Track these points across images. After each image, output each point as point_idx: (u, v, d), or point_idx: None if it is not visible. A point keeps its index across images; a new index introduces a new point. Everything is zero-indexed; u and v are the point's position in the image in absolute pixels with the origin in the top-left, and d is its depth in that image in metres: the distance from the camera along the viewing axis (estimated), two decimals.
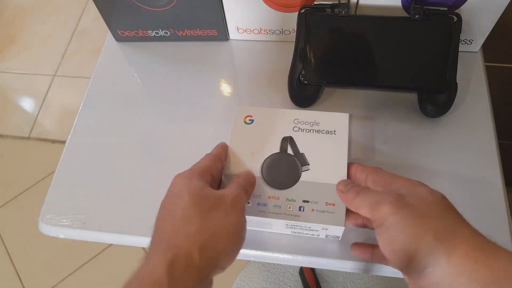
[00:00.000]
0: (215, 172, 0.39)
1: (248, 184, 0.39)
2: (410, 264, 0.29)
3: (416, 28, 0.47)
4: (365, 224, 0.39)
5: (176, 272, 0.29)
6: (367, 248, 0.39)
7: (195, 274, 0.30)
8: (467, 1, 0.47)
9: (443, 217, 0.30)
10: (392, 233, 0.30)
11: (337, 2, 0.48)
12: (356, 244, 0.39)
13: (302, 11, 0.50)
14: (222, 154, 0.41)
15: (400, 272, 0.33)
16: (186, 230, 0.31)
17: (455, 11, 0.48)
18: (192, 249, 0.30)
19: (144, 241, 0.45)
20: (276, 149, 0.44)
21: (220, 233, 0.32)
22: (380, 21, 0.48)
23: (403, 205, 0.30)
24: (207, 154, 0.41)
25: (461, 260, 0.27)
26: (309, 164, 0.42)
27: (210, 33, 0.59)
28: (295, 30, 0.50)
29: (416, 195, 0.31)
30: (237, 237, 0.34)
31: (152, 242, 0.32)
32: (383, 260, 0.37)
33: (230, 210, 0.34)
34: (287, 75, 0.51)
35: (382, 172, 0.37)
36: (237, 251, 0.34)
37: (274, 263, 0.68)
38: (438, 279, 0.28)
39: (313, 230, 0.41)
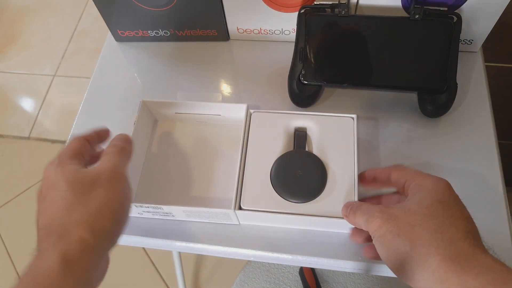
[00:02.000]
0: (85, 152, 0.37)
1: (124, 149, 0.38)
2: (402, 270, 0.32)
3: (416, 28, 0.47)
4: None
5: (72, 259, 0.29)
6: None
7: (92, 255, 0.30)
8: (467, 1, 0.47)
9: (425, 224, 0.32)
10: (382, 243, 0.33)
11: (337, 2, 0.48)
12: (367, 247, 0.40)
13: (302, 11, 0.50)
14: (90, 135, 0.39)
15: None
16: (72, 217, 0.31)
17: (455, 11, 0.48)
18: (83, 233, 0.30)
19: (144, 241, 0.45)
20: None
21: (105, 210, 0.32)
22: (380, 21, 0.48)
23: (388, 218, 0.33)
24: (74, 137, 0.39)
25: (435, 269, 0.29)
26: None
27: (210, 33, 0.59)
28: (295, 30, 0.50)
29: (412, 202, 0.34)
30: (122, 208, 0.34)
31: (39, 238, 0.31)
32: None
33: (109, 185, 0.33)
34: (287, 75, 0.51)
35: (403, 169, 0.38)
36: (125, 222, 0.34)
37: (274, 263, 0.68)
38: (423, 285, 0.30)
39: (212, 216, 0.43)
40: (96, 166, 0.35)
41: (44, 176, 0.35)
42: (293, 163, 0.40)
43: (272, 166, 0.38)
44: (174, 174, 0.48)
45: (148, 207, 0.43)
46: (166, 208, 0.43)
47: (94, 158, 0.38)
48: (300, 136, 0.41)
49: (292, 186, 0.41)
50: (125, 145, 0.38)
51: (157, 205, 0.42)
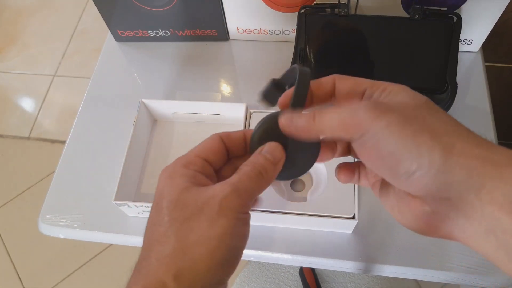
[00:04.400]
0: (212, 155, 0.28)
1: (265, 173, 0.27)
2: (397, 169, 0.24)
3: (416, 28, 0.47)
4: (340, 152, 0.31)
5: None
6: (354, 168, 0.31)
7: None
8: (467, 1, 0.47)
9: (434, 118, 0.25)
10: (378, 139, 0.24)
11: (337, 2, 0.48)
12: (342, 167, 0.31)
13: (302, 11, 0.50)
14: (229, 134, 0.30)
15: (379, 192, 0.29)
16: (159, 253, 0.24)
17: (455, 11, 0.48)
18: (165, 278, 0.24)
19: None
20: None
21: (202, 251, 0.24)
22: (380, 21, 0.48)
23: (386, 109, 0.25)
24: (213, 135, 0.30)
25: (461, 158, 0.23)
26: None
27: (210, 33, 0.59)
28: (295, 30, 0.50)
29: (398, 102, 0.27)
30: (227, 251, 0.25)
31: (136, 262, 0.26)
32: (371, 177, 0.31)
33: (217, 216, 0.24)
34: None
35: (354, 78, 0.28)
36: (230, 268, 0.26)
37: (274, 263, 0.68)
38: (428, 181, 0.23)
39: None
40: (215, 185, 0.26)
41: (158, 182, 0.28)
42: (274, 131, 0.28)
43: (256, 129, 0.29)
44: None
45: (148, 207, 0.43)
46: None
47: (227, 170, 0.30)
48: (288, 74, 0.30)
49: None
50: (269, 167, 0.27)
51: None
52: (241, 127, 0.46)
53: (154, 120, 0.52)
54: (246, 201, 0.26)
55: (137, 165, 0.48)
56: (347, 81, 0.28)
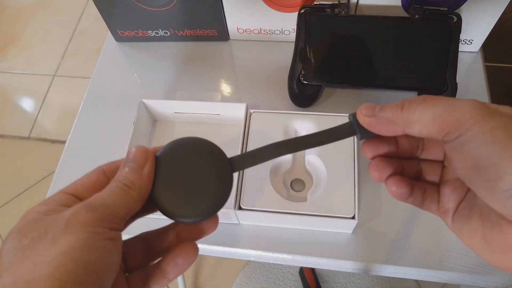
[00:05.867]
0: (83, 189, 0.25)
1: (131, 188, 0.24)
2: (496, 185, 0.21)
3: (416, 28, 0.47)
4: (397, 152, 0.27)
5: None
6: (415, 186, 0.26)
7: None
8: (467, 1, 0.47)
9: None
10: (479, 144, 0.21)
11: (337, 2, 0.48)
12: (399, 180, 0.26)
13: (302, 11, 0.50)
14: (113, 164, 0.26)
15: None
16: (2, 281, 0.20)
17: (455, 11, 0.48)
18: None
19: None
20: None
21: (41, 273, 0.19)
22: (380, 21, 0.48)
23: (494, 112, 0.21)
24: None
25: None
26: None
27: (210, 33, 0.59)
28: (295, 30, 0.50)
29: (505, 110, 0.22)
30: (76, 268, 0.20)
31: None
32: (447, 201, 0.26)
33: (61, 234, 0.20)
34: (287, 75, 0.51)
35: (435, 99, 0.23)
36: (89, 286, 0.20)
37: (274, 263, 0.68)
38: None
39: None
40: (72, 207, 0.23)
41: None
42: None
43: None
44: None
45: None
46: None
47: None
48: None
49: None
50: (134, 176, 0.24)
51: None
52: (241, 127, 0.46)
53: (154, 120, 0.52)
54: (104, 215, 0.22)
55: None
56: (424, 110, 0.23)
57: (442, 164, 0.27)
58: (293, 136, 0.47)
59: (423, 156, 0.27)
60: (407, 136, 0.26)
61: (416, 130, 0.23)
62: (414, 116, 0.22)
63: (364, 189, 0.46)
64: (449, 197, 0.25)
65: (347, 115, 0.26)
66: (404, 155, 0.27)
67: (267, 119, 0.47)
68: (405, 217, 0.44)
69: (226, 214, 0.42)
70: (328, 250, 0.43)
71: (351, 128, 0.25)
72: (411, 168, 0.27)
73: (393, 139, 0.27)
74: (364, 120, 0.25)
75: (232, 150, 0.48)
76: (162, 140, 0.51)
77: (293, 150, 0.26)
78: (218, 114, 0.50)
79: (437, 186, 0.26)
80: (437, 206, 0.26)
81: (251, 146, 0.45)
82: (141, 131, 0.49)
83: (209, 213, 0.24)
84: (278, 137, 0.45)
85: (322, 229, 0.44)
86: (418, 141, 0.27)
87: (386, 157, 0.27)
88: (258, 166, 0.44)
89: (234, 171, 0.25)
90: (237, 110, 0.48)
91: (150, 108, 0.50)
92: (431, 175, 0.27)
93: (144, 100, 0.49)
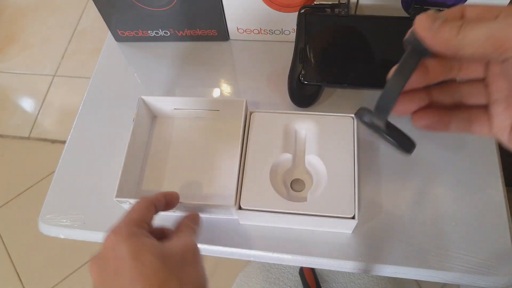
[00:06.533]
0: (149, 220, 0.34)
1: (197, 225, 0.38)
2: None
3: None
4: (427, 101, 0.27)
5: None
6: (449, 113, 0.27)
7: None
8: (467, 1, 0.47)
9: None
10: None
11: (337, 2, 0.48)
12: (428, 111, 0.27)
13: (302, 11, 0.50)
14: (158, 199, 0.36)
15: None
16: None
17: None
18: None
19: None
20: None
21: (198, 285, 0.31)
22: (380, 21, 0.48)
23: None
24: (140, 199, 0.36)
25: None
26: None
27: (210, 33, 0.59)
28: (295, 30, 0.50)
29: None
30: (205, 282, 0.32)
31: None
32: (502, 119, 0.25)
33: (197, 262, 0.31)
34: (287, 75, 0.51)
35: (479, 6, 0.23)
36: None
37: (274, 263, 0.68)
38: None
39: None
40: (176, 240, 0.33)
41: (108, 243, 0.30)
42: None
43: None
44: (173, 170, 0.49)
45: None
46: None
47: (154, 231, 0.35)
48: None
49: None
50: (195, 227, 0.37)
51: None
52: (241, 123, 0.46)
53: (153, 116, 0.52)
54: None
55: (137, 162, 0.48)
56: (476, 8, 0.23)
57: (482, 83, 0.26)
58: (294, 136, 0.47)
59: (460, 77, 0.26)
60: (438, 57, 0.25)
61: (469, 51, 0.22)
62: (470, 38, 0.21)
63: (364, 189, 0.46)
64: (504, 115, 0.24)
65: (405, 40, 0.26)
66: (436, 80, 0.26)
67: (267, 119, 0.47)
68: (405, 217, 0.44)
69: (227, 209, 0.42)
70: (328, 250, 0.43)
71: (417, 50, 0.24)
72: (446, 95, 0.26)
73: (424, 66, 0.26)
74: (420, 32, 0.24)
75: (232, 146, 0.48)
76: (162, 136, 0.51)
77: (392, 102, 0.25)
78: (217, 110, 0.50)
79: (483, 108, 0.26)
80: (488, 127, 0.25)
81: (251, 146, 0.45)
82: (141, 127, 0.49)
83: None
84: (278, 137, 0.45)
85: (322, 229, 0.44)
86: (453, 61, 0.26)
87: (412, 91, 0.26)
88: (258, 166, 0.44)
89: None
90: (237, 106, 0.48)
91: (149, 105, 0.51)
92: (475, 97, 0.26)
93: (144, 97, 0.49)
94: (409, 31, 0.25)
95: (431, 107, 0.26)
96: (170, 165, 0.49)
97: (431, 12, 0.23)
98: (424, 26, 0.24)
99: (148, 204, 0.34)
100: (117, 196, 0.42)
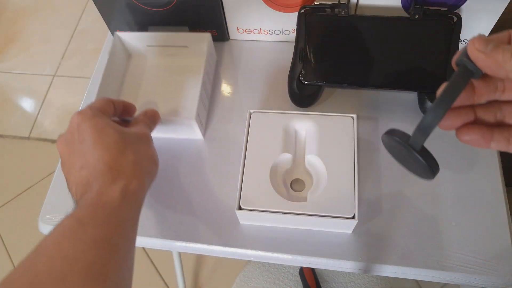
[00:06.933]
0: (109, 113, 0.41)
1: (153, 123, 0.45)
2: None
3: (416, 28, 0.47)
4: (474, 119, 0.28)
5: (130, 192, 0.34)
6: (488, 130, 0.28)
7: (141, 197, 0.36)
8: (467, 1, 0.47)
9: None
10: None
11: (337, 2, 0.48)
12: (473, 127, 0.28)
13: (302, 11, 0.50)
14: (117, 101, 0.43)
15: None
16: (127, 160, 0.35)
17: (455, 11, 0.48)
18: (139, 175, 0.36)
19: (144, 241, 0.45)
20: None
21: (149, 162, 0.39)
22: (380, 21, 0.48)
23: None
24: (102, 97, 0.43)
25: None
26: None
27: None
28: (295, 30, 0.50)
29: None
30: (157, 163, 0.41)
31: (88, 174, 0.34)
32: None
33: (149, 143, 0.41)
34: (287, 75, 0.51)
35: None
36: (156, 174, 0.41)
37: (274, 263, 0.68)
38: None
39: None
40: (134, 128, 0.41)
41: (76, 121, 0.37)
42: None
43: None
44: (144, 101, 0.54)
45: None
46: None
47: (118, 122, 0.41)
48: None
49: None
50: (150, 123, 0.44)
51: (128, 118, 0.47)
52: (204, 59, 0.51)
53: (129, 54, 0.58)
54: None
55: (113, 92, 0.53)
56: None
57: None
58: (294, 136, 0.47)
59: (503, 97, 0.28)
60: (484, 78, 0.27)
61: None
62: None
63: (364, 189, 0.46)
64: None
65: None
66: (481, 100, 0.28)
67: (267, 119, 0.47)
68: (405, 217, 0.44)
69: (189, 126, 0.48)
70: (328, 250, 0.43)
71: (468, 70, 0.26)
72: (489, 114, 0.28)
73: (471, 85, 0.27)
74: (474, 54, 0.25)
75: (194, 78, 0.53)
76: (135, 73, 0.56)
77: (442, 114, 0.26)
78: (186, 46, 0.55)
79: None
80: None
81: (251, 146, 0.45)
82: (116, 63, 0.54)
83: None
84: (278, 137, 0.45)
85: (322, 229, 0.44)
86: (497, 83, 0.27)
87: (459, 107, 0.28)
88: (258, 166, 0.44)
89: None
90: (202, 40, 0.53)
91: (124, 42, 0.56)
92: None
93: (119, 33, 0.54)
94: (459, 52, 0.26)
95: (474, 123, 0.28)
96: (141, 97, 0.54)
97: (483, 35, 0.25)
98: (478, 48, 0.25)
99: (108, 101, 0.41)
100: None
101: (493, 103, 0.28)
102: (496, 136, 0.27)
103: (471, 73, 0.25)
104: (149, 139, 0.41)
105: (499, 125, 0.28)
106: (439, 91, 0.26)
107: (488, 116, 0.28)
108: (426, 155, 0.28)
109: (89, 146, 0.35)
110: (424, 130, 0.27)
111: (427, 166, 0.28)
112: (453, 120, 0.28)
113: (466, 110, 0.28)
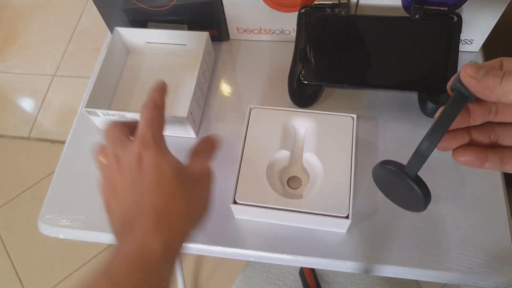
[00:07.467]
0: (163, 137, 0.35)
1: (214, 152, 0.38)
2: None
3: (416, 28, 0.47)
4: (470, 141, 0.30)
5: (172, 247, 0.30)
6: (484, 152, 0.29)
7: (181, 249, 0.31)
8: (467, 1, 0.47)
9: None
10: None
11: (337, 2, 0.48)
12: (470, 149, 0.29)
13: (302, 11, 0.50)
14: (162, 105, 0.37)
15: None
16: (177, 210, 0.31)
17: (455, 11, 0.48)
18: (185, 226, 0.31)
19: None
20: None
21: (200, 211, 0.33)
22: (380, 21, 0.48)
23: None
24: (153, 107, 0.36)
25: None
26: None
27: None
28: (295, 30, 0.50)
29: None
30: (209, 208, 0.34)
31: (129, 212, 0.31)
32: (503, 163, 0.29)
33: (208, 184, 0.35)
34: (287, 75, 0.51)
35: None
36: (203, 221, 0.35)
37: (274, 263, 0.68)
38: None
39: None
40: (194, 164, 0.35)
41: (137, 151, 0.32)
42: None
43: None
44: (140, 97, 0.54)
45: (114, 115, 0.49)
46: (128, 115, 0.48)
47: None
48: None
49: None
50: (212, 152, 0.37)
51: (121, 112, 0.48)
52: (201, 56, 0.51)
53: (127, 51, 0.58)
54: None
55: (109, 89, 0.54)
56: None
57: None
58: (293, 134, 0.47)
59: (496, 119, 0.29)
60: (479, 101, 0.28)
61: (509, 100, 0.25)
62: (510, 87, 0.24)
63: (363, 189, 0.45)
64: None
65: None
66: (476, 122, 0.29)
67: (267, 115, 0.47)
68: (405, 217, 0.44)
69: (182, 123, 0.47)
70: (328, 251, 0.43)
71: (462, 95, 0.27)
72: (483, 135, 0.29)
73: (466, 109, 0.29)
74: (466, 79, 0.26)
75: (190, 75, 0.53)
76: (133, 69, 0.57)
77: (438, 139, 0.27)
78: (184, 44, 0.55)
79: None
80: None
81: (250, 141, 0.45)
82: (115, 58, 0.55)
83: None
84: (277, 133, 0.45)
85: (316, 227, 0.44)
86: (491, 106, 0.29)
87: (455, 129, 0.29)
88: (255, 161, 0.44)
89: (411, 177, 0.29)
90: (200, 39, 0.53)
91: (123, 38, 0.56)
92: (509, 139, 0.29)
93: (118, 28, 0.54)
94: (453, 78, 0.28)
95: (470, 145, 0.30)
96: (136, 93, 0.55)
97: (475, 62, 0.27)
98: (470, 74, 0.26)
99: (160, 120, 0.35)
100: (86, 106, 0.48)
101: (487, 125, 0.29)
102: (490, 157, 0.29)
103: (465, 97, 0.27)
104: (209, 179, 0.35)
105: (493, 146, 0.29)
106: (436, 115, 0.28)
107: (482, 137, 0.29)
108: (420, 184, 0.29)
109: (146, 184, 0.31)
110: (421, 155, 0.28)
111: (421, 195, 0.29)
112: (449, 142, 0.29)
113: (462, 132, 0.29)
